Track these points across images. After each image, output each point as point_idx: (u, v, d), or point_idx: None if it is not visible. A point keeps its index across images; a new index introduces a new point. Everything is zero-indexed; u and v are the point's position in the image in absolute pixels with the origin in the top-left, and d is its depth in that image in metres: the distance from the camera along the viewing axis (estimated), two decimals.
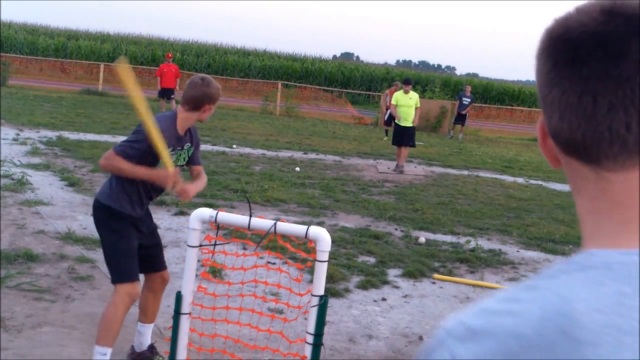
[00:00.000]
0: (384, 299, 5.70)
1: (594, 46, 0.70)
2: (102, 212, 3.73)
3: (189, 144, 3.86)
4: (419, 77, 42.16)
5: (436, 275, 6.47)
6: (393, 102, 13.62)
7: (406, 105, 13.25)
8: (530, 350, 0.66)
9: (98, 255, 6.09)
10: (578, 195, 0.77)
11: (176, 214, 7.78)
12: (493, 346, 0.67)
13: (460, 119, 23.03)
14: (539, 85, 0.76)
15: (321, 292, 2.87)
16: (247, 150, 14.22)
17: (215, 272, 5.60)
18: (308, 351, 2.91)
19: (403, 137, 13.16)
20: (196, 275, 3.30)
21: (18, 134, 12.70)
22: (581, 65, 0.70)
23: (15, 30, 40.52)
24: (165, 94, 18.97)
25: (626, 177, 0.71)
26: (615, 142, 0.70)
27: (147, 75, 36.46)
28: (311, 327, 2.90)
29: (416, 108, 13.26)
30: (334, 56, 76.35)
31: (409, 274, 6.39)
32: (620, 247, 0.70)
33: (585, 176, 0.75)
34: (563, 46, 0.72)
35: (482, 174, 14.23)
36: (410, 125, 13.18)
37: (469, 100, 23.15)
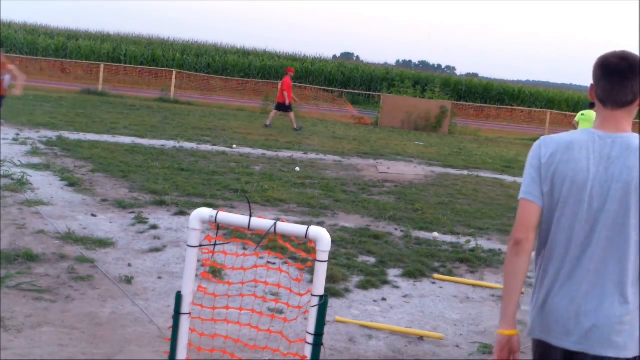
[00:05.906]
0: (384, 299, 5.70)
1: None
2: None
3: None
4: (419, 77, 42.16)
5: (436, 275, 6.47)
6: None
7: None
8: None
9: (98, 255, 6.10)
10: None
11: (176, 214, 7.78)
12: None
13: None
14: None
15: (321, 292, 2.86)
16: (247, 150, 14.22)
17: (215, 272, 5.61)
18: (308, 351, 2.91)
19: None
20: (196, 275, 3.30)
21: (18, 134, 12.71)
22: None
23: (15, 30, 40.52)
24: (290, 108, 20.27)
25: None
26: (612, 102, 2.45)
27: (147, 75, 36.46)
28: (311, 327, 2.89)
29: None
30: (334, 56, 76.20)
31: (409, 274, 6.39)
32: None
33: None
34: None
35: (482, 174, 14.24)
36: None
37: None
